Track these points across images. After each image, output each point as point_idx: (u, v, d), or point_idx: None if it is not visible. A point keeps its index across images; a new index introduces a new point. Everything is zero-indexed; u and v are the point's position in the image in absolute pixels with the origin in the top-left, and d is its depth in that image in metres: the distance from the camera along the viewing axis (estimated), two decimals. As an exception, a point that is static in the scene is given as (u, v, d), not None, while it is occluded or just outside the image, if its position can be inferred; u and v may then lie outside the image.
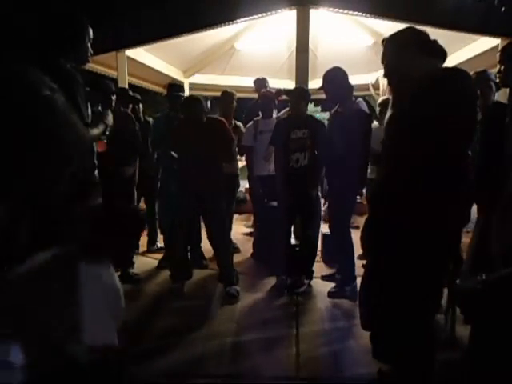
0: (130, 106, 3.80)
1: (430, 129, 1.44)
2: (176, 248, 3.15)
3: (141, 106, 4.07)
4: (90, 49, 1.89)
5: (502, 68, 1.79)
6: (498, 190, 1.52)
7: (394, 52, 1.66)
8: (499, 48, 2.21)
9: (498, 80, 1.85)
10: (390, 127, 1.63)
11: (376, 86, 5.66)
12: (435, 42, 1.61)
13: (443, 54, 1.60)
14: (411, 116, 1.50)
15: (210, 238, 3.14)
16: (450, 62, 1.59)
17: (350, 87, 2.96)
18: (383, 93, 3.31)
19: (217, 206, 3.01)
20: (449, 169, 1.48)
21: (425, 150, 1.47)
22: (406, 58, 1.60)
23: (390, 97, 1.90)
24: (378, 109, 3.72)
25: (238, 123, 4.03)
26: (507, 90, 1.93)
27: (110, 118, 2.02)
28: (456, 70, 1.54)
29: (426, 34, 1.62)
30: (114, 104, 3.07)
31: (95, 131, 1.85)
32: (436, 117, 1.42)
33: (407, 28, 1.68)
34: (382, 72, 3.46)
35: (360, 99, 2.95)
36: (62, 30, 1.83)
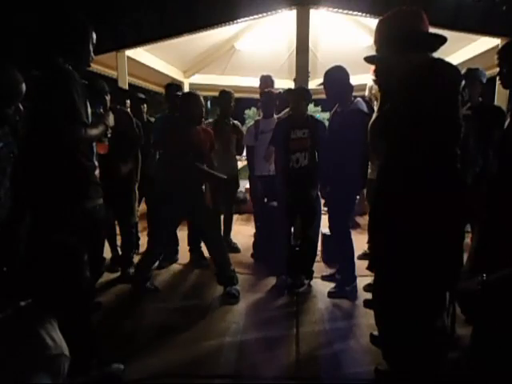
0: (128, 102, 3.79)
1: (416, 127, 1.42)
2: (153, 245, 3.09)
3: (145, 106, 4.07)
4: (92, 53, 1.89)
5: (503, 70, 1.74)
6: (499, 191, 1.50)
7: (380, 50, 1.60)
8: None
9: (499, 82, 1.80)
10: (377, 126, 1.60)
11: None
12: (420, 32, 1.52)
13: (431, 44, 1.53)
14: (397, 117, 1.48)
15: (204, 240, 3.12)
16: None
17: (350, 87, 2.96)
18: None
19: (202, 205, 3.02)
20: (438, 168, 1.45)
21: (413, 150, 1.45)
22: (389, 58, 1.55)
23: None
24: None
25: (237, 123, 4.03)
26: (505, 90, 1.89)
27: (110, 120, 2.01)
28: (436, 64, 1.48)
29: (409, 24, 1.51)
30: (108, 103, 3.03)
31: (94, 131, 1.85)
32: (420, 114, 1.40)
33: (385, 21, 1.58)
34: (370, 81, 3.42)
35: (359, 99, 2.94)
36: (65, 32, 1.83)
